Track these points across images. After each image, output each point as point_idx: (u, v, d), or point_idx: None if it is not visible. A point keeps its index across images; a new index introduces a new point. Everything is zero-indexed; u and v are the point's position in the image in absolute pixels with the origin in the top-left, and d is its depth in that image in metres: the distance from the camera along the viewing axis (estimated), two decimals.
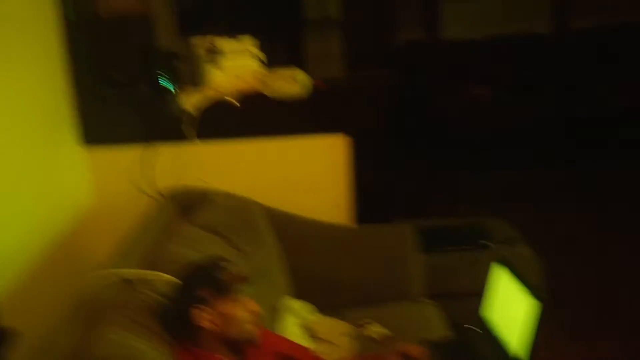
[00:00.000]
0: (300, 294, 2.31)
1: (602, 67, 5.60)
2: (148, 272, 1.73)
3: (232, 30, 2.49)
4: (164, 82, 2.35)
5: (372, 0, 2.45)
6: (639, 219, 4.00)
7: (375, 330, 2.15)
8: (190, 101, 2.39)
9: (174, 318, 1.52)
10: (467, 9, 6.25)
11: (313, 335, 2.11)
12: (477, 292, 1.90)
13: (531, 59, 5.81)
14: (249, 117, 2.46)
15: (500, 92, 5.62)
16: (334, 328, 2.16)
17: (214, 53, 2.40)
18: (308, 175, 2.57)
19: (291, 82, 2.36)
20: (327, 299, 2.32)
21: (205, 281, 1.52)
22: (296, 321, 2.16)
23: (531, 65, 5.79)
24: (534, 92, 5.62)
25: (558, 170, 5.00)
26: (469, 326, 1.91)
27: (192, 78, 2.48)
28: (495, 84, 5.66)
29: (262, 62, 2.49)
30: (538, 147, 5.29)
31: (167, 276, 1.70)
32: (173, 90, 2.38)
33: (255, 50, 2.48)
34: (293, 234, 2.41)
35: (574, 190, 4.65)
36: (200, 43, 2.47)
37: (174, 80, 2.39)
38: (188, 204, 2.30)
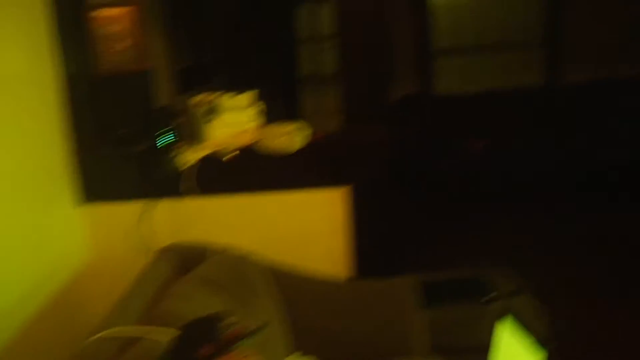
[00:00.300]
0: (301, 349, 2.26)
1: (599, 120, 5.68)
2: (146, 328, 1.69)
3: (232, 86, 2.52)
4: (163, 139, 2.36)
5: (368, 55, 2.48)
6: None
7: None
8: (190, 157, 2.39)
9: None
10: (463, 62, 6.37)
11: None
12: (483, 346, 1.86)
13: (527, 112, 5.88)
14: (249, 172, 2.47)
15: (497, 145, 5.66)
16: None
17: (213, 109, 2.42)
18: (308, 229, 2.55)
19: (291, 137, 2.38)
20: (328, 354, 2.27)
21: (205, 338, 1.49)
22: None
23: (527, 118, 5.86)
24: (531, 144, 5.67)
25: (558, 222, 4.99)
26: None
27: (191, 134, 2.50)
28: (492, 137, 5.71)
29: (262, 117, 2.51)
30: (537, 199, 5.31)
31: (165, 333, 1.66)
32: (173, 147, 2.39)
33: (255, 106, 2.50)
34: (293, 288, 2.38)
35: (574, 239, 4.63)
36: (199, 99, 2.50)
37: (173, 136, 2.41)
38: (186, 260, 2.27)
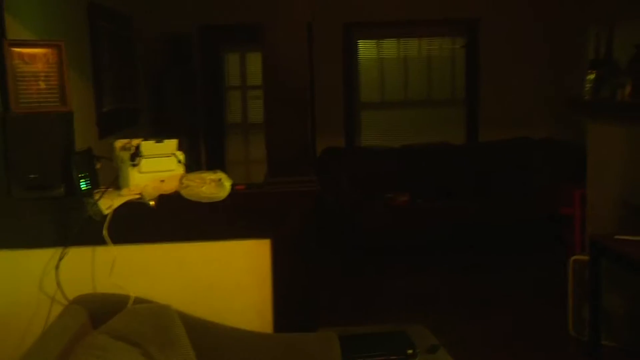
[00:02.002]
0: None
1: (513, 175, 5.92)
2: None
3: (157, 132, 2.48)
4: (82, 184, 2.28)
5: (293, 107, 2.50)
6: (557, 316, 4.10)
7: None
8: (109, 204, 2.32)
9: None
10: (385, 118, 6.54)
11: None
12: None
13: (446, 167, 6.07)
14: (169, 220, 2.41)
15: (417, 198, 5.78)
16: None
17: (136, 154, 2.37)
18: (229, 281, 2.51)
19: (213, 186, 2.35)
20: None
21: None
22: None
23: (446, 172, 6.04)
24: (449, 198, 5.82)
25: (474, 274, 5.11)
26: None
27: (112, 180, 2.43)
28: (412, 190, 5.84)
29: (183, 165, 2.48)
30: (454, 252, 5.43)
31: None
32: (92, 192, 2.32)
33: (178, 153, 2.47)
34: (210, 342, 2.32)
35: (489, 294, 4.74)
36: (122, 144, 2.44)
37: (92, 182, 2.34)
38: (101, 311, 2.19)
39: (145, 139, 2.43)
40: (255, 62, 6.33)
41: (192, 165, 2.56)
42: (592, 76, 4.41)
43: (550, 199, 5.34)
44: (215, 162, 6.03)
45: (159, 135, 2.48)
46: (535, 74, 6.10)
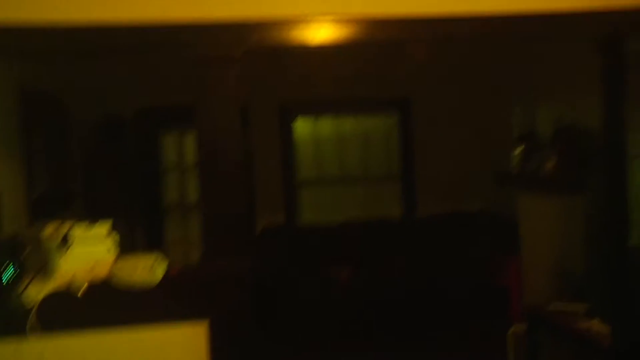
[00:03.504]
0: None
1: (449, 248, 6.00)
2: None
3: (88, 215, 2.43)
4: (6, 274, 2.20)
5: (227, 186, 2.49)
6: None
7: None
8: (35, 293, 2.23)
9: None
10: (323, 195, 6.58)
11: None
12: None
13: (384, 242, 6.11)
14: (99, 307, 2.33)
15: (356, 274, 5.77)
16: None
17: (65, 240, 2.30)
18: None
19: (146, 270, 2.30)
20: None
21: None
22: None
23: (384, 247, 6.08)
24: (386, 272, 5.84)
25: (414, 351, 5.08)
26: None
27: (40, 267, 2.35)
28: (351, 266, 5.83)
29: (117, 248, 2.42)
30: (394, 327, 5.41)
31: None
32: (17, 281, 2.23)
33: (110, 237, 2.41)
34: None
35: None
36: (51, 229, 2.38)
37: (18, 270, 2.25)
38: None
39: (76, 224, 2.37)
40: (193, 142, 6.32)
41: (125, 248, 2.50)
42: (519, 150, 4.59)
43: (487, 271, 5.42)
44: (154, 243, 5.91)
45: (94, 218, 2.43)
46: (466, 148, 6.29)
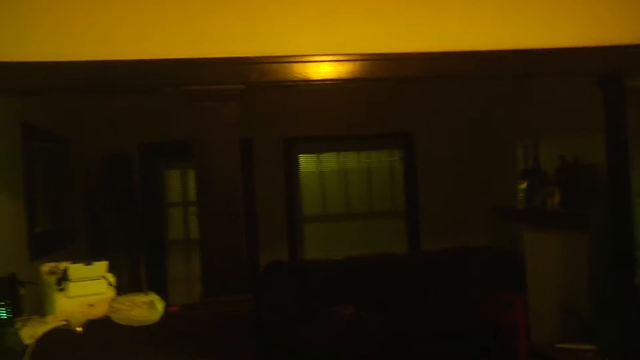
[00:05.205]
0: None
1: (454, 284, 5.94)
2: None
3: (93, 252, 2.41)
4: (1, 313, 2.17)
5: (226, 223, 2.47)
6: None
7: None
8: (32, 333, 2.19)
9: None
10: (328, 230, 6.55)
11: None
12: None
13: (389, 278, 6.05)
14: (97, 347, 2.29)
15: (361, 310, 5.70)
16: None
17: (62, 279, 2.28)
18: None
19: (145, 309, 2.26)
20: None
21: None
22: None
23: (389, 283, 6.02)
24: (392, 309, 5.77)
25: None
26: None
27: (37, 307, 2.32)
28: (356, 303, 5.76)
29: (115, 287, 2.39)
30: None
31: None
32: (12, 321, 2.19)
33: (109, 276, 2.39)
34: None
35: None
36: (49, 268, 2.35)
37: (15, 309, 2.22)
38: None
39: (74, 262, 2.35)
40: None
41: (123, 287, 2.47)
42: (523, 186, 4.57)
43: (492, 308, 5.34)
44: (156, 281, 5.86)
45: (96, 255, 2.42)
46: (470, 184, 6.27)
